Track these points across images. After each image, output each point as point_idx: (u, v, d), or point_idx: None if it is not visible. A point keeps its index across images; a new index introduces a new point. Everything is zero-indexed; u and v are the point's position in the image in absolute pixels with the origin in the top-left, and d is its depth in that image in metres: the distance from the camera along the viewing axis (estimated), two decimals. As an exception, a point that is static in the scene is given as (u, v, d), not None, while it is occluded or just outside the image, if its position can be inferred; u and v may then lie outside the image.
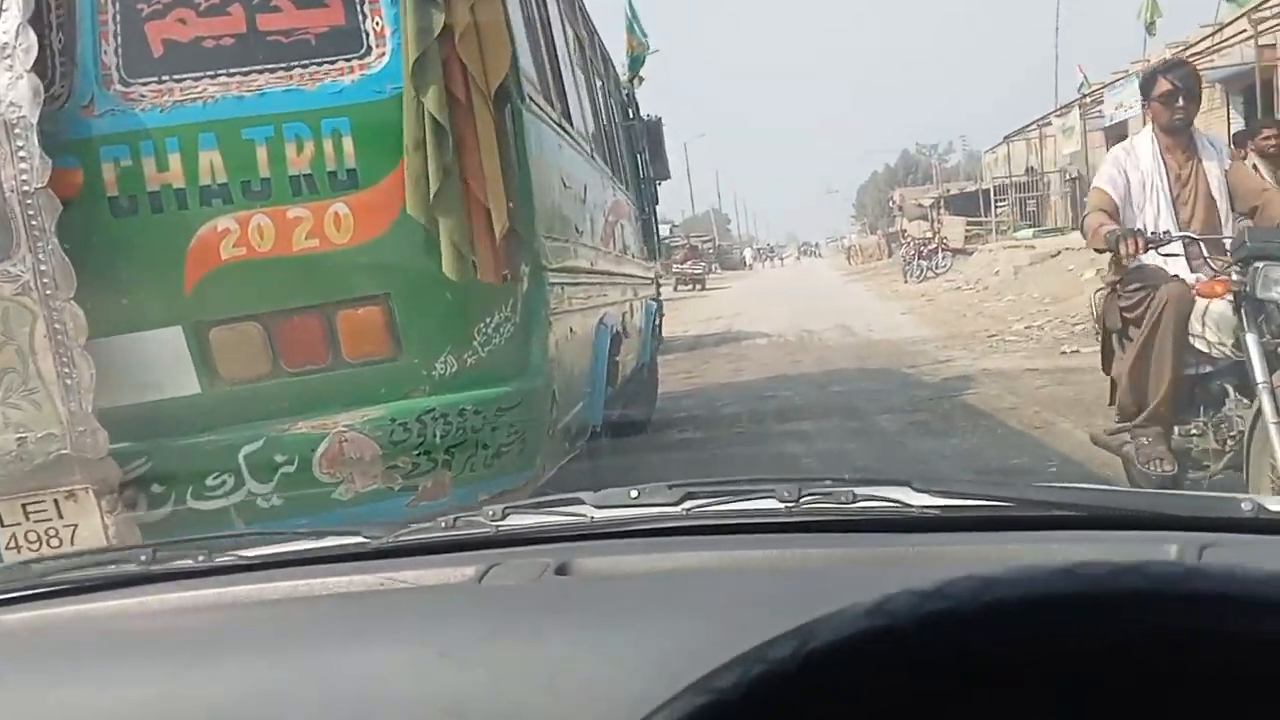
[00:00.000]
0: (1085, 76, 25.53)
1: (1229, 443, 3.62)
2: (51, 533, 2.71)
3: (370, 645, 0.93)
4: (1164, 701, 0.46)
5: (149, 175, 2.76)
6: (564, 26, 4.79)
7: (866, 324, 15.36)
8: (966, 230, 28.49)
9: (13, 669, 0.97)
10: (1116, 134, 23.18)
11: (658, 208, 13.06)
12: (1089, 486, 1.53)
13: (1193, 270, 3.83)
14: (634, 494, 1.28)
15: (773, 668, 0.42)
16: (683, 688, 0.44)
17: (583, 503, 1.30)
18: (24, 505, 2.70)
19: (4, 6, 2.62)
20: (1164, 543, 0.98)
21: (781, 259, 76.33)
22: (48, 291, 2.61)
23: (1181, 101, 3.96)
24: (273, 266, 2.81)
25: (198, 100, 2.77)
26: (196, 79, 2.78)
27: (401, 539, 1.27)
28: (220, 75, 2.79)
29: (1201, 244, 3.81)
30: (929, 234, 29.25)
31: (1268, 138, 6.76)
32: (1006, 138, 31.48)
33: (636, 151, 8.46)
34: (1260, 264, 3.37)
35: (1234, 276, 3.49)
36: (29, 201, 2.58)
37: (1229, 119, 16.40)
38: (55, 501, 2.71)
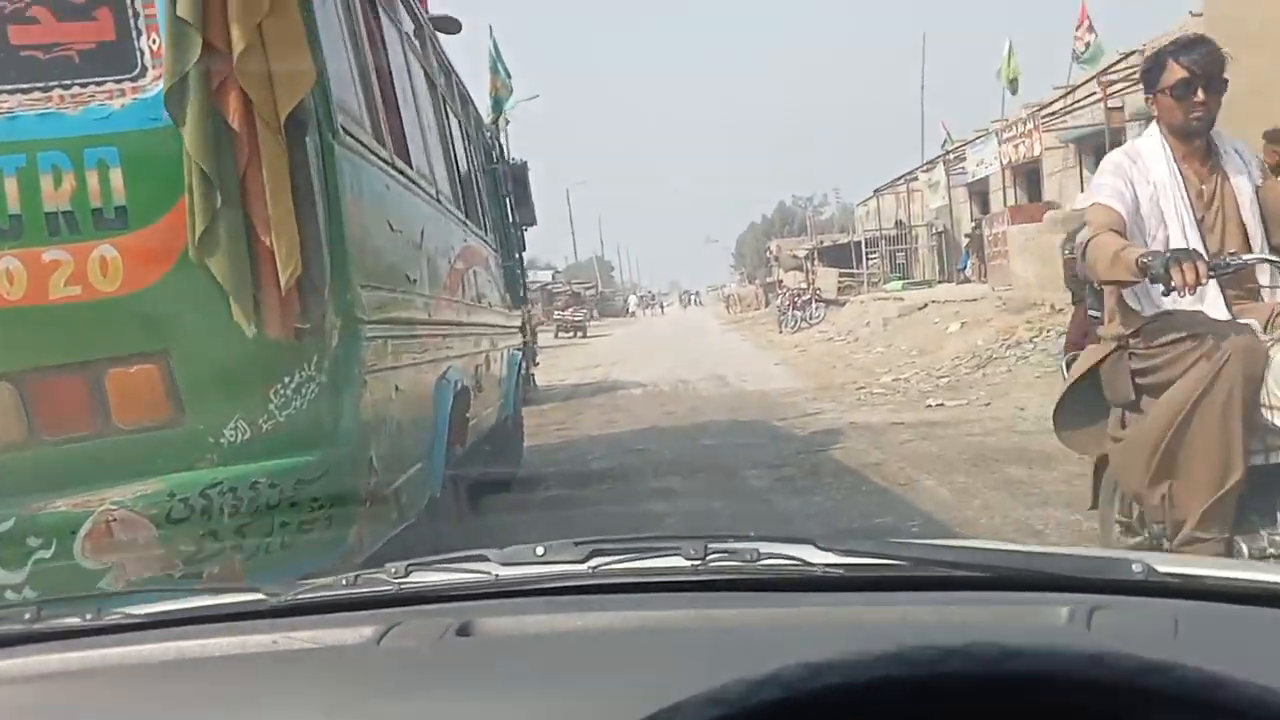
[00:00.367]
0: (949, 133, 26.56)
1: None
2: None
3: (268, 709, 0.91)
4: None
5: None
6: (406, 61, 4.49)
7: (741, 374, 15.37)
8: (839, 281, 29.09)
9: None
10: (979, 189, 24.19)
11: (525, 254, 12.78)
12: (986, 546, 1.55)
13: (1234, 315, 2.90)
14: (540, 551, 1.27)
15: None
16: None
17: (487, 559, 1.28)
18: None
19: None
20: (1057, 604, 1.00)
21: (663, 307, 76.87)
22: None
23: (1201, 94, 2.98)
24: (24, 317, 2.41)
25: (-67, 123, 2.38)
26: (-68, 98, 2.39)
27: (300, 597, 1.24)
28: (-40, 95, 2.39)
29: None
30: (804, 284, 29.75)
31: None
32: (876, 191, 32.46)
33: (502, 196, 8.18)
34: None
35: None
36: None
37: (1081, 179, 17.17)
38: None
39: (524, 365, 12.34)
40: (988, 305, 14.97)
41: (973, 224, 22.78)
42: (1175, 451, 2.77)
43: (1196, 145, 3.09)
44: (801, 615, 1.08)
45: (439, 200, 4.63)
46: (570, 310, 40.14)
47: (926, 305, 17.55)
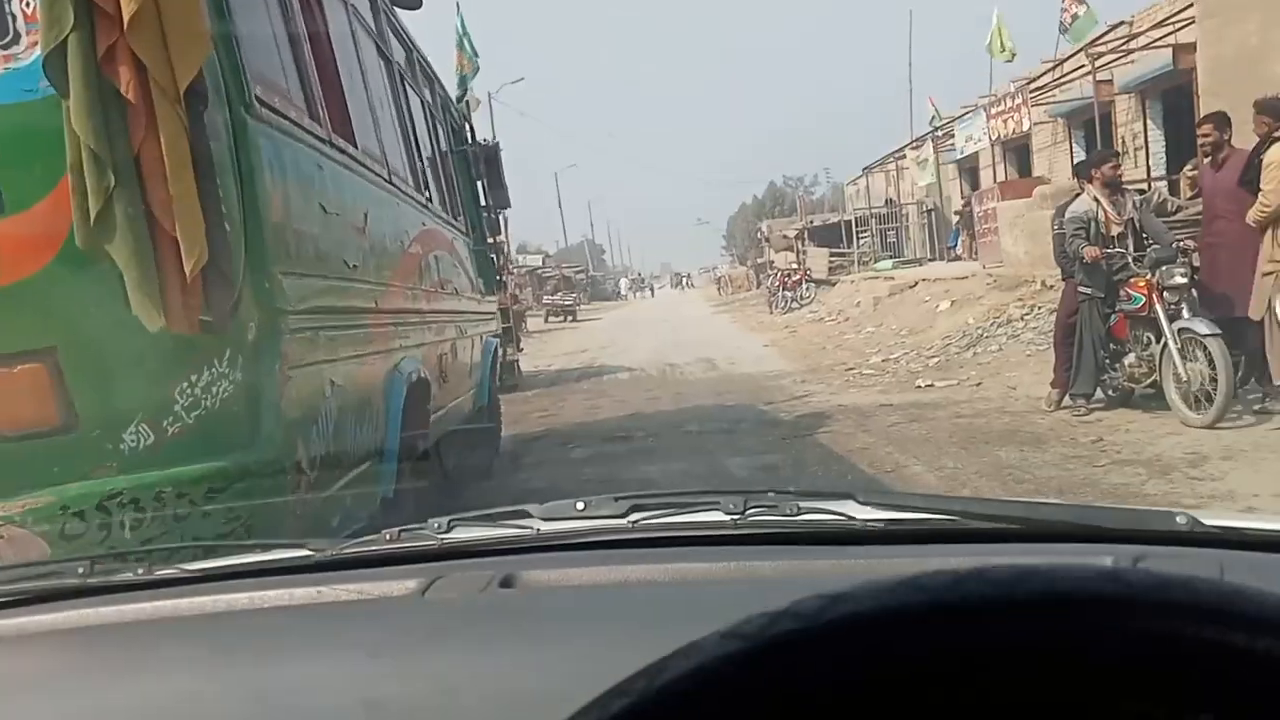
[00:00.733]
0: (937, 109, 26.19)
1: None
2: None
3: (312, 657, 0.93)
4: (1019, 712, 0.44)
5: None
6: (354, 34, 4.22)
7: (729, 357, 15.16)
8: (830, 261, 28.79)
9: None
10: (968, 166, 23.90)
11: (505, 238, 12.52)
12: (1030, 500, 1.66)
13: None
14: (580, 506, 1.29)
15: (632, 702, 0.41)
16: None
17: (529, 515, 1.29)
18: None
19: None
20: (1100, 555, 0.98)
21: (652, 290, 76.50)
22: None
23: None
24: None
25: None
26: None
27: (345, 552, 1.27)
28: None
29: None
30: (794, 265, 29.48)
31: (1115, 167, 7.11)
32: (866, 169, 32.15)
33: (473, 178, 7.91)
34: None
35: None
36: None
37: (1071, 153, 16.91)
38: None
39: (501, 351, 12.14)
40: (978, 283, 14.74)
41: (963, 201, 22.52)
42: None
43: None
44: (842, 568, 1.05)
45: (392, 182, 4.37)
46: (560, 294, 39.84)
47: (917, 284, 17.31)
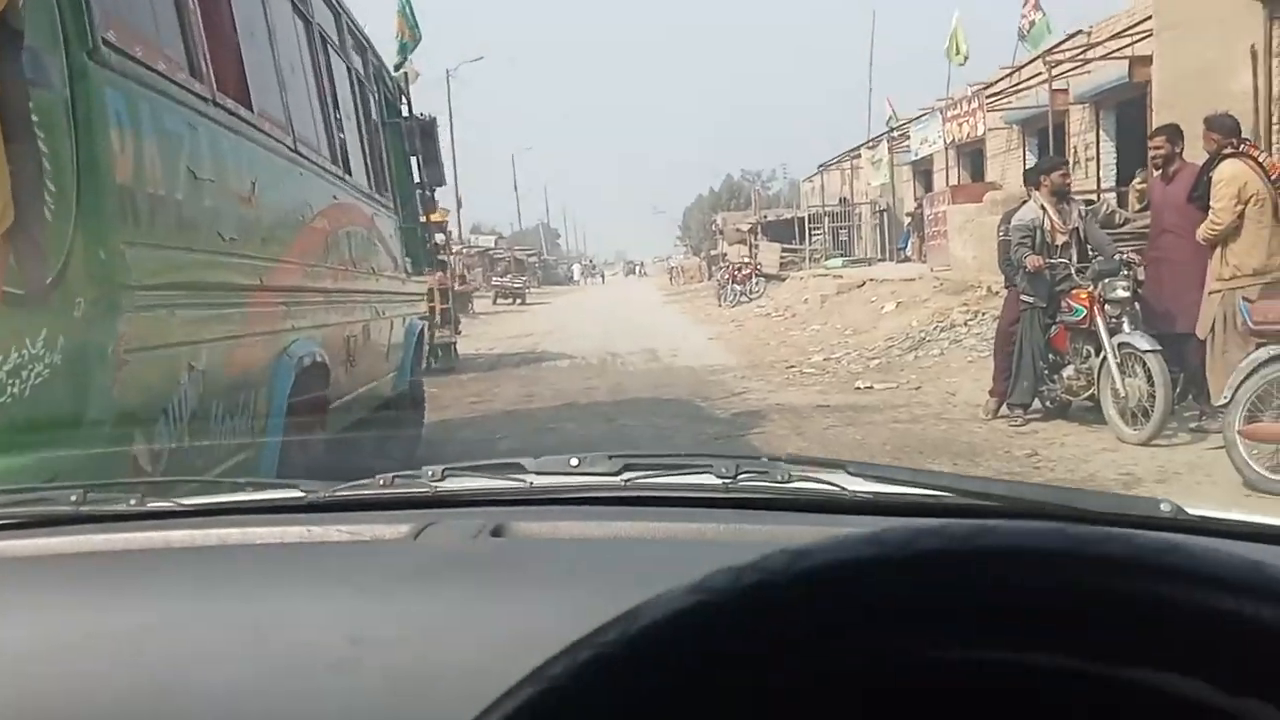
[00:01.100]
0: (894, 110, 26.15)
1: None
2: None
3: (301, 593, 0.94)
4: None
5: None
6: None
7: (672, 348, 14.95)
8: (782, 257, 28.69)
9: None
10: (922, 168, 23.90)
11: (440, 216, 12.15)
12: (1016, 481, 1.66)
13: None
14: (574, 462, 1.30)
15: (601, 651, 0.42)
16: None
17: (522, 468, 1.29)
18: None
19: None
20: None
21: (603, 276, 76.15)
22: None
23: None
24: None
25: None
26: None
27: (339, 494, 1.27)
28: None
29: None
30: (746, 259, 29.35)
31: (1064, 175, 7.03)
32: (821, 167, 32.10)
33: (406, 153, 7.57)
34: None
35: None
36: None
37: (1024, 161, 16.89)
38: None
39: (433, 334, 11.80)
40: (925, 285, 14.66)
41: (915, 203, 22.51)
42: None
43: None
44: (831, 536, 0.85)
45: (297, 151, 4.05)
46: (509, 277, 39.41)
47: (865, 284, 17.22)
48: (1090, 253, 6.76)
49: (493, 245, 50.85)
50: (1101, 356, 6.25)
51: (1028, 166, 10.67)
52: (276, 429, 3.37)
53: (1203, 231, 5.86)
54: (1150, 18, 10.96)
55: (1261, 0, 9.18)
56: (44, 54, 2.07)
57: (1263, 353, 4.90)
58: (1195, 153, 6.41)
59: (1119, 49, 13.46)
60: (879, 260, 24.52)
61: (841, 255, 26.56)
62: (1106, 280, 6.31)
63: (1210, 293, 5.88)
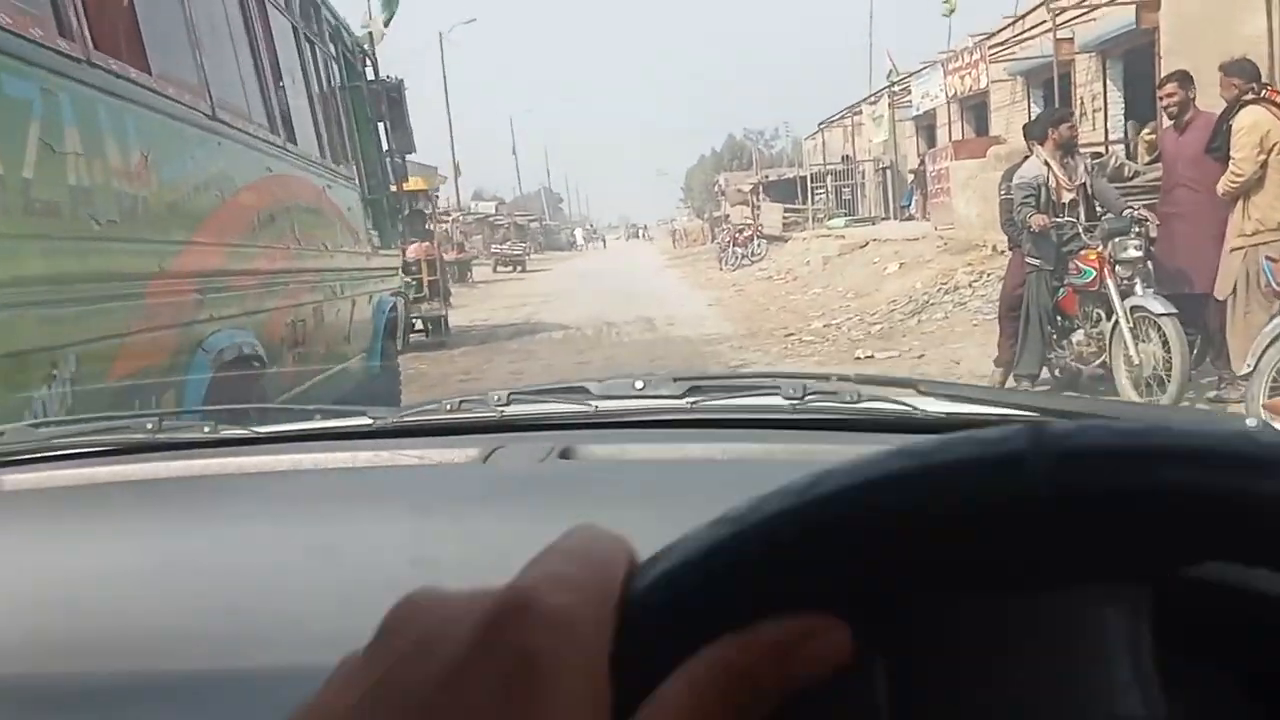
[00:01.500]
0: (895, 64, 25.48)
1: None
2: None
3: (374, 517, 0.94)
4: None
5: None
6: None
7: (670, 316, 14.57)
8: (784, 217, 28.16)
9: (13, 529, 0.97)
10: (925, 124, 23.31)
11: (418, 184, 11.72)
12: (1098, 399, 1.36)
13: None
14: (639, 385, 1.29)
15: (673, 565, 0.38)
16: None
17: (588, 392, 1.30)
18: None
19: None
20: None
21: (604, 241, 75.52)
22: None
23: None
24: None
25: None
26: None
27: (408, 420, 1.29)
28: None
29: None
30: (748, 220, 28.85)
31: (1070, 128, 6.61)
32: (822, 124, 31.45)
33: (370, 119, 7.15)
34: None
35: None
36: None
37: (1029, 113, 16.35)
38: None
39: (415, 308, 11.42)
40: (929, 245, 14.21)
41: (918, 159, 21.97)
42: None
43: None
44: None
45: (216, 118, 3.65)
46: (509, 244, 38.90)
47: (867, 244, 16.77)
48: (1098, 210, 6.32)
49: (493, 211, 50.31)
50: (1113, 321, 5.84)
51: (1030, 119, 10.21)
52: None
53: (1223, 184, 5.43)
54: (1160, -42, 10.43)
55: (1278, -63, 8.67)
56: None
57: (1289, 316, 4.50)
58: (1206, 102, 5.96)
59: (1126, -7, 12.90)
60: (883, 219, 24.01)
61: (845, 214, 26.04)
62: (1117, 239, 5.88)
63: (1231, 250, 5.46)
